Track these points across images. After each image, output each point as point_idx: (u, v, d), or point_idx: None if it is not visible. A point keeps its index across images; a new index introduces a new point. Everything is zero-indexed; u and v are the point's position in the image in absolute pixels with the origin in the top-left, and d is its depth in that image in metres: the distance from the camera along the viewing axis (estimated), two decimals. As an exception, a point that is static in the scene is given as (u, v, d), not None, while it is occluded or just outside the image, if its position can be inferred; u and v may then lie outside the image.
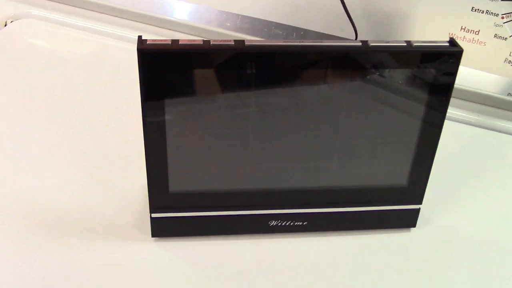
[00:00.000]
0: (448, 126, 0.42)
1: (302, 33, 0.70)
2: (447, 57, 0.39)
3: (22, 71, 0.63)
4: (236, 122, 0.40)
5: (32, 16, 0.71)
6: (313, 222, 0.45)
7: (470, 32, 0.62)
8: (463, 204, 0.50)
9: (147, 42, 0.37)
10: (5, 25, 0.70)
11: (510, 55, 0.62)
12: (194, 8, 0.75)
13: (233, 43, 0.37)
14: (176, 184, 0.42)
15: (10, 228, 0.45)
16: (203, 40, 0.37)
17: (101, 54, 0.67)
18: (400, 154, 0.43)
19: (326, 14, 0.67)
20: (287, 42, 0.38)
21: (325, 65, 0.39)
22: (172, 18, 0.71)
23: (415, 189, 0.45)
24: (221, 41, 0.37)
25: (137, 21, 0.71)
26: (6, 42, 0.67)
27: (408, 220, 0.47)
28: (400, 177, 0.44)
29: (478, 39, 0.62)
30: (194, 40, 0.37)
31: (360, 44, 0.38)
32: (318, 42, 0.38)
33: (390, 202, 0.45)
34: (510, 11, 0.60)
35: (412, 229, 0.47)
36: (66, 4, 0.74)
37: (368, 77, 0.39)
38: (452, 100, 0.41)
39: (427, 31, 0.64)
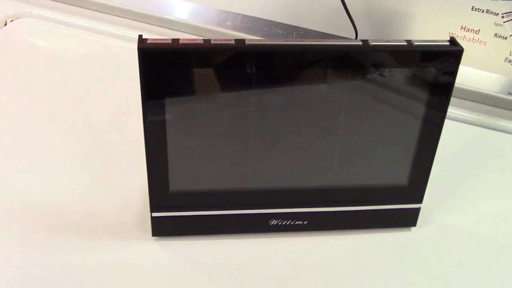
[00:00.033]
0: (448, 126, 0.42)
1: (302, 32, 0.70)
2: (448, 56, 0.39)
3: (22, 71, 0.63)
4: (237, 121, 0.40)
5: (32, 15, 0.71)
6: (313, 221, 0.45)
7: (470, 32, 0.62)
8: (463, 203, 0.50)
9: (148, 42, 0.37)
10: (5, 25, 0.70)
11: (510, 55, 0.62)
12: (194, 7, 0.75)
13: (234, 42, 0.37)
14: (177, 183, 0.42)
15: (11, 228, 0.45)
16: (204, 40, 0.37)
17: (102, 53, 0.67)
18: (401, 153, 0.43)
19: (326, 13, 0.67)
20: (288, 41, 0.38)
21: (326, 64, 0.39)
22: (172, 18, 0.71)
23: (415, 188, 0.45)
24: (221, 40, 0.37)
25: (137, 21, 0.71)
26: (6, 41, 0.67)
27: (408, 219, 0.47)
28: (401, 176, 0.44)
29: (478, 39, 0.62)
30: (194, 40, 0.37)
31: (361, 43, 0.38)
32: (318, 41, 0.38)
33: (391, 201, 0.45)
34: (510, 11, 0.60)
35: (413, 228, 0.47)
36: (66, 4, 0.74)
37: (368, 76, 0.39)
38: (452, 99, 0.41)
39: (427, 31, 0.64)
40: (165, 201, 0.43)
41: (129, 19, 0.72)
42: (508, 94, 0.63)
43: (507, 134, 0.59)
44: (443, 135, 0.42)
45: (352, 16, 0.65)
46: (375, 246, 0.46)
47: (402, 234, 0.47)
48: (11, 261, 0.42)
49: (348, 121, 0.41)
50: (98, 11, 0.73)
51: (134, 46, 0.37)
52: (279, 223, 0.45)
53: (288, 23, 0.70)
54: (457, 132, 0.58)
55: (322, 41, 0.38)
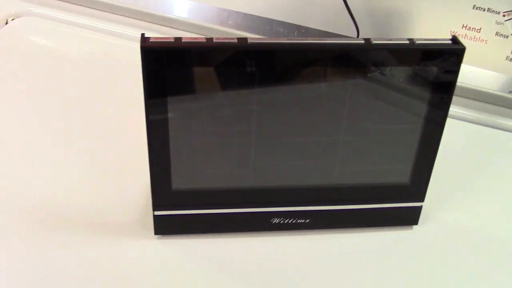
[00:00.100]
0: (449, 124, 0.42)
1: (303, 31, 0.70)
2: (450, 55, 0.39)
3: (23, 69, 0.63)
4: (239, 120, 0.40)
5: (33, 14, 0.71)
6: (315, 219, 0.45)
7: (472, 30, 0.62)
8: (465, 202, 0.50)
9: (150, 40, 0.37)
10: (6, 23, 0.70)
11: (511, 53, 0.62)
12: (196, 6, 0.75)
13: (236, 41, 0.37)
14: (179, 181, 0.42)
15: (14, 227, 0.45)
16: (206, 38, 0.37)
17: (103, 52, 0.67)
18: (403, 152, 0.43)
19: (327, 12, 0.67)
20: (290, 40, 0.38)
21: (328, 63, 0.39)
22: (173, 16, 0.71)
23: (417, 186, 0.45)
24: (224, 39, 0.37)
25: (138, 19, 0.71)
26: (7, 40, 0.67)
27: (410, 218, 0.47)
28: (403, 175, 0.44)
29: (479, 37, 0.62)
30: (197, 38, 0.37)
31: (363, 42, 0.38)
32: (321, 40, 0.38)
33: (393, 199, 0.45)
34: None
35: (414, 226, 0.47)
36: (67, 2, 0.74)
37: (370, 75, 0.39)
38: (453, 98, 0.41)
39: (428, 29, 0.64)
40: (168, 199, 0.43)
41: (130, 17, 0.72)
42: (509, 92, 0.63)
43: (508, 133, 0.59)
44: (444, 133, 0.42)
45: (354, 15, 0.65)
46: (377, 245, 0.46)
47: (404, 233, 0.47)
48: (14, 259, 0.42)
49: (350, 120, 0.41)
50: (99, 10, 0.73)
51: (136, 45, 0.37)
52: (281, 222, 0.45)
53: (290, 22, 0.70)
54: (458, 131, 0.58)
55: (325, 40, 0.38)
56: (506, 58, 0.62)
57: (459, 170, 0.53)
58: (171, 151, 0.41)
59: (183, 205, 0.44)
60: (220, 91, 0.39)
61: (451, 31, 0.63)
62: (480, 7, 0.61)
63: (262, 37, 0.69)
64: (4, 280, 0.41)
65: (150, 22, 0.71)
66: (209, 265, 0.43)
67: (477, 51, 0.63)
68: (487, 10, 0.61)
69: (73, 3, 0.73)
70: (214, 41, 0.37)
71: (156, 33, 0.69)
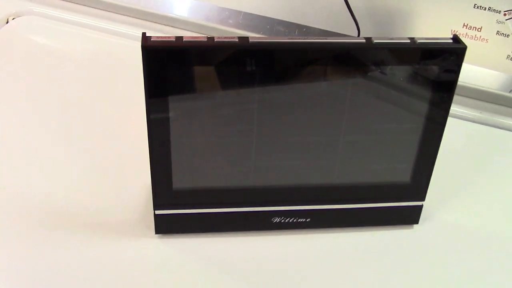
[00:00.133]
0: (450, 123, 0.42)
1: (304, 30, 0.70)
2: (451, 54, 0.39)
3: (24, 69, 0.63)
4: (240, 119, 0.40)
5: (34, 13, 0.71)
6: (316, 218, 0.45)
7: (472, 29, 0.62)
8: (465, 201, 0.50)
9: (151, 39, 0.37)
10: (7, 22, 0.70)
11: (512, 52, 0.62)
12: (196, 5, 0.75)
13: (237, 40, 0.37)
14: (180, 181, 0.42)
15: (14, 226, 0.45)
16: (207, 37, 0.37)
17: (104, 51, 0.67)
18: (404, 151, 0.43)
19: (328, 11, 0.67)
20: (291, 39, 0.38)
21: (329, 62, 0.39)
22: (174, 15, 0.71)
23: (418, 186, 0.45)
24: (225, 38, 0.37)
25: (139, 18, 0.71)
26: (8, 39, 0.67)
27: (411, 217, 0.47)
28: (403, 174, 0.44)
29: (480, 36, 0.62)
30: (198, 37, 0.37)
31: (364, 41, 0.38)
32: (322, 39, 0.38)
33: (393, 199, 0.45)
34: (513, 8, 0.60)
35: (415, 225, 0.47)
36: (68, 1, 0.74)
37: (371, 74, 0.39)
38: (454, 97, 0.41)
39: (429, 28, 0.64)
40: (169, 198, 0.43)
41: (131, 17, 0.72)
42: (510, 91, 0.63)
43: (509, 132, 0.59)
44: (445, 133, 0.42)
45: (354, 14, 0.65)
46: (378, 244, 0.46)
47: (404, 232, 0.47)
48: (14, 259, 0.42)
49: (351, 119, 0.41)
50: (100, 9, 0.73)
51: (137, 44, 0.37)
52: (282, 221, 0.45)
53: (290, 21, 0.70)
54: (459, 130, 0.58)
55: (326, 39, 0.38)
56: (507, 57, 0.62)
57: (459, 169, 0.53)
58: (172, 150, 0.41)
59: (184, 204, 0.44)
60: (221, 90, 0.39)
61: (452, 30, 0.63)
62: (481, 6, 0.61)
63: (263, 36, 0.69)
64: (4, 280, 0.41)
65: (151, 21, 0.71)
66: (210, 264, 0.43)
67: (477, 50, 0.63)
68: (488, 9, 0.61)
69: (74, 3, 0.73)
70: (215, 40, 0.37)
71: (157, 32, 0.69)
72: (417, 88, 0.41)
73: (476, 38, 0.63)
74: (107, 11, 0.72)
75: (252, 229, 0.46)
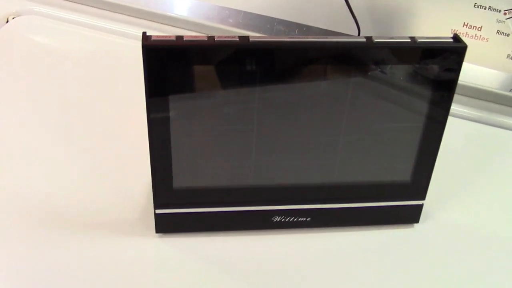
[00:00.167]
0: (450, 122, 0.42)
1: (304, 29, 0.70)
2: (451, 53, 0.39)
3: (24, 68, 0.63)
4: (241, 118, 0.40)
5: (34, 12, 0.71)
6: (316, 218, 0.45)
7: (473, 28, 0.62)
8: (466, 200, 0.50)
9: (152, 38, 0.37)
10: (7, 22, 0.70)
11: (512, 51, 0.62)
12: (196, 4, 0.75)
13: (238, 39, 0.37)
14: (180, 180, 0.42)
15: (16, 225, 0.45)
16: (208, 36, 0.37)
17: (104, 50, 0.67)
18: (404, 150, 0.43)
19: (328, 10, 0.67)
20: (292, 38, 0.38)
21: (330, 61, 0.39)
22: (174, 15, 0.71)
23: (418, 185, 0.45)
24: (225, 37, 0.37)
25: (139, 18, 0.71)
26: (8, 39, 0.67)
27: (411, 216, 0.47)
28: (404, 173, 0.44)
29: (480, 35, 0.62)
30: (198, 36, 0.37)
31: (365, 40, 0.38)
32: (323, 38, 0.38)
33: (394, 198, 0.45)
34: (513, 7, 0.60)
35: (415, 224, 0.47)
36: (68, 1, 0.73)
37: (372, 73, 0.39)
38: (454, 96, 0.41)
39: (429, 28, 0.64)
40: (169, 198, 0.43)
41: (131, 16, 0.72)
42: (510, 90, 0.63)
43: (509, 131, 0.59)
44: (445, 132, 0.42)
45: (355, 13, 0.65)
46: (378, 243, 0.46)
47: (405, 231, 0.47)
48: (14, 259, 0.42)
49: (351, 118, 0.41)
50: (100, 8, 0.73)
51: (137, 43, 0.37)
52: (283, 220, 0.45)
53: (290, 20, 0.70)
54: (459, 129, 0.58)
55: (327, 38, 0.38)
56: (507, 56, 0.62)
57: (459, 169, 0.53)
58: (172, 149, 0.41)
59: (184, 203, 0.44)
60: (221, 89, 0.39)
61: (452, 29, 0.63)
62: (481, 6, 0.61)
63: (264, 35, 0.69)
64: (4, 280, 0.41)
65: (151, 21, 0.71)
66: (210, 263, 0.43)
67: (478, 49, 0.63)
68: (488, 8, 0.61)
69: (74, 2, 0.73)
70: (215, 39, 0.37)
71: (157, 31, 0.68)
72: (418, 87, 0.41)
73: (476, 37, 0.63)
74: (107, 10, 0.72)
75: (252, 228, 0.46)
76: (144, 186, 0.48)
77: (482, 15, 0.61)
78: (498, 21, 0.61)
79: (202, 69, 0.38)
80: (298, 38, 0.38)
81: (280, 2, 0.70)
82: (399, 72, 0.40)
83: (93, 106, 0.58)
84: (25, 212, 0.46)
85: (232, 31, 0.68)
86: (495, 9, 0.60)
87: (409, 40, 0.39)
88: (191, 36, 0.37)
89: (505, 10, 0.60)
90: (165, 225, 0.44)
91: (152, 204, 0.43)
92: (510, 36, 0.61)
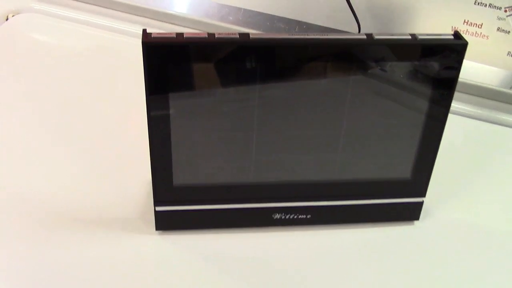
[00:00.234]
0: (450, 120, 0.42)
1: (304, 27, 0.70)
2: (452, 50, 0.39)
3: (24, 66, 0.63)
4: (241, 115, 0.40)
5: (34, 10, 0.71)
6: (317, 215, 0.45)
7: (473, 26, 0.62)
8: (466, 197, 0.50)
9: (152, 36, 0.37)
10: (7, 19, 0.70)
11: (512, 49, 0.62)
12: (196, 2, 0.75)
13: (238, 36, 0.37)
14: (180, 177, 0.42)
15: (16, 224, 0.45)
16: (208, 34, 0.37)
17: (104, 48, 0.67)
18: (404, 147, 0.43)
19: (328, 7, 0.67)
20: (292, 35, 0.38)
21: (330, 58, 0.39)
22: (173, 12, 0.71)
23: (418, 182, 0.45)
24: (226, 34, 0.37)
25: (139, 15, 0.71)
26: (7, 36, 0.67)
27: (411, 213, 0.47)
28: (404, 170, 0.44)
29: (481, 33, 0.62)
30: (198, 33, 0.37)
31: (365, 37, 0.38)
32: (323, 35, 0.38)
33: (394, 195, 0.45)
34: (513, 5, 0.60)
35: (416, 222, 0.47)
36: (67, -2, 0.73)
37: (373, 70, 0.39)
38: (455, 93, 0.41)
39: (430, 25, 0.64)
40: (169, 195, 0.43)
41: (131, 14, 0.71)
42: (510, 88, 0.63)
43: (509, 128, 0.59)
44: (445, 129, 0.42)
45: (355, 11, 0.64)
46: (379, 240, 0.46)
47: (405, 228, 0.47)
48: (16, 258, 0.42)
49: (352, 115, 0.41)
50: (100, 6, 0.72)
51: (136, 41, 0.37)
52: (283, 217, 0.45)
53: (290, 18, 0.70)
54: (459, 126, 0.58)
55: (327, 35, 0.38)
56: (508, 54, 0.62)
57: (460, 166, 0.53)
58: (172, 147, 0.41)
59: (184, 200, 0.44)
60: (222, 86, 0.39)
61: (452, 26, 0.63)
62: (481, 3, 0.61)
63: (264, 33, 0.68)
64: (4, 280, 0.41)
65: (151, 18, 0.71)
66: (210, 260, 0.43)
67: (478, 46, 0.63)
68: (489, 5, 0.61)
69: (74, 0, 0.73)
70: (216, 36, 0.37)
71: (156, 29, 0.68)
72: (418, 85, 0.40)
73: (476, 35, 0.63)
74: (106, 8, 0.72)
75: (253, 226, 0.46)
76: (144, 183, 0.48)
77: (483, 12, 0.61)
78: (499, 19, 0.61)
79: (202, 67, 0.38)
80: (298, 35, 0.38)
81: (280, 0, 0.70)
82: (399, 69, 0.40)
83: (92, 104, 0.58)
84: (25, 211, 0.46)
85: (232, 28, 0.68)
86: (495, 6, 0.60)
87: (410, 37, 0.38)
88: (191, 33, 0.37)
89: (505, 7, 0.60)
90: (165, 223, 0.44)
91: (152, 201, 0.43)
92: (510, 33, 0.61)
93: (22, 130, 0.54)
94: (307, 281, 0.42)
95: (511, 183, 0.53)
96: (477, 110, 0.61)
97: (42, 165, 0.50)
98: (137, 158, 0.48)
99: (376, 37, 0.38)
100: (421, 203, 0.46)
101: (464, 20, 0.62)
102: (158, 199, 0.43)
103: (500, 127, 0.59)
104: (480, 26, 0.62)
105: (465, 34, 0.63)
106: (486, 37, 0.62)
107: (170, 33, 0.37)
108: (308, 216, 0.45)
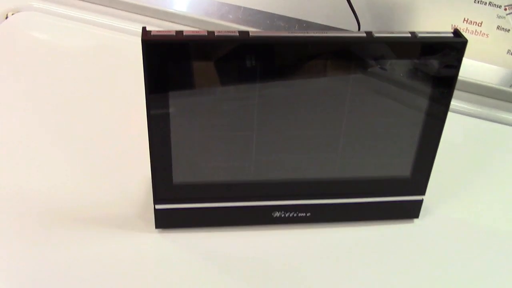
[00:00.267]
0: (450, 118, 0.42)
1: (304, 25, 0.70)
2: (451, 48, 0.39)
3: (23, 65, 0.63)
4: (241, 113, 0.40)
5: (34, 8, 0.71)
6: (316, 213, 0.45)
7: (473, 24, 0.62)
8: (465, 195, 0.50)
9: (152, 34, 0.37)
10: (6, 18, 0.70)
11: (512, 47, 0.62)
12: (196, 0, 0.75)
13: (238, 34, 0.37)
14: (180, 175, 0.42)
15: (16, 223, 0.45)
16: (208, 32, 0.37)
17: (103, 47, 0.67)
18: (404, 146, 0.43)
19: (328, 6, 0.67)
20: (292, 33, 0.38)
21: (330, 56, 0.39)
22: (173, 11, 0.71)
23: (418, 180, 0.45)
24: (225, 32, 0.37)
25: (138, 14, 0.71)
26: (7, 35, 0.67)
27: (411, 211, 0.47)
28: (404, 169, 0.44)
29: (481, 31, 0.62)
30: (198, 32, 0.37)
31: (365, 35, 0.38)
32: (323, 33, 0.38)
33: (394, 193, 0.45)
34: (513, 3, 0.60)
35: (415, 220, 0.47)
36: (67, -3, 0.73)
37: (372, 68, 0.39)
38: (454, 91, 0.41)
39: (429, 23, 0.64)
40: (169, 193, 0.43)
41: (130, 12, 0.71)
42: (510, 86, 0.63)
43: (509, 126, 0.59)
44: (445, 127, 0.42)
45: (355, 9, 0.64)
46: (378, 238, 0.46)
47: (405, 226, 0.47)
48: (16, 258, 0.42)
49: (352, 113, 0.41)
50: (100, 4, 0.72)
51: (136, 39, 0.37)
52: (283, 215, 0.45)
53: (290, 16, 0.70)
54: (459, 125, 0.58)
55: (327, 33, 0.38)
56: (507, 52, 0.62)
57: (459, 164, 0.53)
58: (172, 145, 0.41)
59: (184, 199, 0.44)
60: (221, 84, 0.39)
61: (452, 25, 0.63)
62: (481, 1, 0.61)
63: (264, 31, 0.68)
64: (4, 280, 0.41)
65: (151, 17, 0.71)
66: (210, 258, 0.43)
67: (478, 45, 0.63)
68: (489, 4, 0.61)
69: (73, -2, 0.73)
70: (215, 34, 0.37)
71: (156, 27, 0.68)
72: (418, 83, 0.40)
73: (476, 33, 0.62)
74: (106, 6, 0.72)
75: (253, 224, 0.46)
76: (144, 182, 0.48)
77: (483, 10, 0.61)
78: (499, 17, 0.61)
79: (202, 65, 0.38)
80: (298, 33, 0.38)
81: (280, -2, 0.70)
82: (399, 67, 0.40)
83: (92, 102, 0.58)
84: (25, 209, 0.46)
85: (232, 27, 0.68)
86: (495, 4, 0.60)
87: (409, 35, 0.38)
88: (191, 31, 0.37)
89: (505, 6, 0.60)
90: (164, 221, 0.44)
91: (152, 199, 0.43)
92: (510, 31, 0.61)
93: (22, 128, 0.54)
94: (307, 279, 0.42)
95: (511, 181, 0.53)
96: (476, 108, 0.61)
97: (41, 164, 0.50)
98: (137, 157, 0.48)
99: (376, 35, 0.38)
100: (421, 201, 0.46)
101: (464, 19, 0.62)
102: (157, 197, 0.43)
103: (499, 125, 0.60)
104: (480, 25, 0.62)
105: (465, 32, 0.63)
106: (486, 35, 0.62)
107: (170, 31, 0.37)
108: (308, 214, 0.45)
